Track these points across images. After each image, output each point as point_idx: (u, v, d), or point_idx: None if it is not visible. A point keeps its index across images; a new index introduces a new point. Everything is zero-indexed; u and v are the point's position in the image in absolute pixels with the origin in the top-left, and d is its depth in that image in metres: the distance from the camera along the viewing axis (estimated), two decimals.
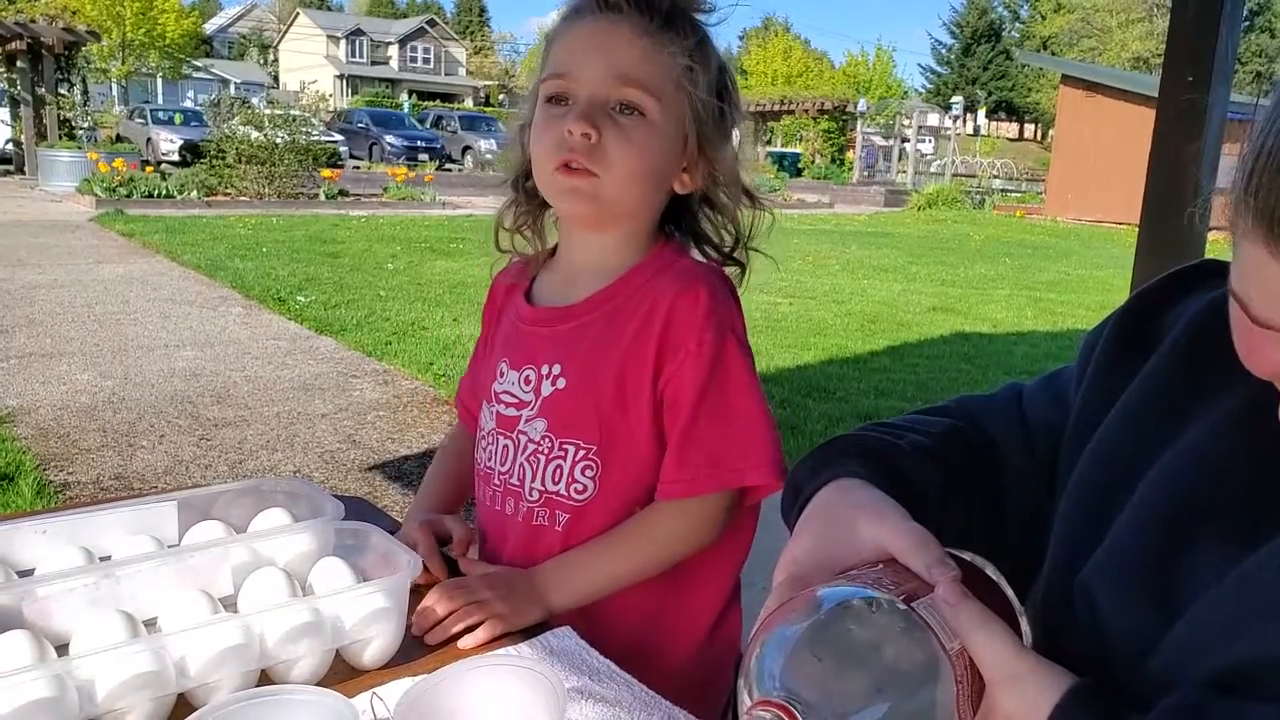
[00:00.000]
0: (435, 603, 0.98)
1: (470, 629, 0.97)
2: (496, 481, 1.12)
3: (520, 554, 1.10)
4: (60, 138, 16.32)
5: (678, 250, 1.10)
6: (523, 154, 1.09)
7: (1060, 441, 0.78)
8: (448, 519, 1.18)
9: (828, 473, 0.74)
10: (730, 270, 1.12)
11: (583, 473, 1.05)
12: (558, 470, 1.06)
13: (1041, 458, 0.81)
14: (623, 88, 0.99)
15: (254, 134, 14.23)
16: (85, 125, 17.10)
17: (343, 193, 15.33)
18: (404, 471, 3.86)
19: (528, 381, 1.09)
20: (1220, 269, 0.70)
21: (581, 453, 1.05)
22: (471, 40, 65.55)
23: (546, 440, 1.06)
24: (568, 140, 0.99)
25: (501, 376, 1.12)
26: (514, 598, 1.00)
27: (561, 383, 1.06)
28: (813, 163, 30.79)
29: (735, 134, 1.08)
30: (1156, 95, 2.20)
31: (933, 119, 36.42)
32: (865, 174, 28.85)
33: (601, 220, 1.06)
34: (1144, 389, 0.72)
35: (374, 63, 55.58)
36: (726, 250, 1.12)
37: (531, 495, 1.08)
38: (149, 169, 15.39)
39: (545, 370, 1.08)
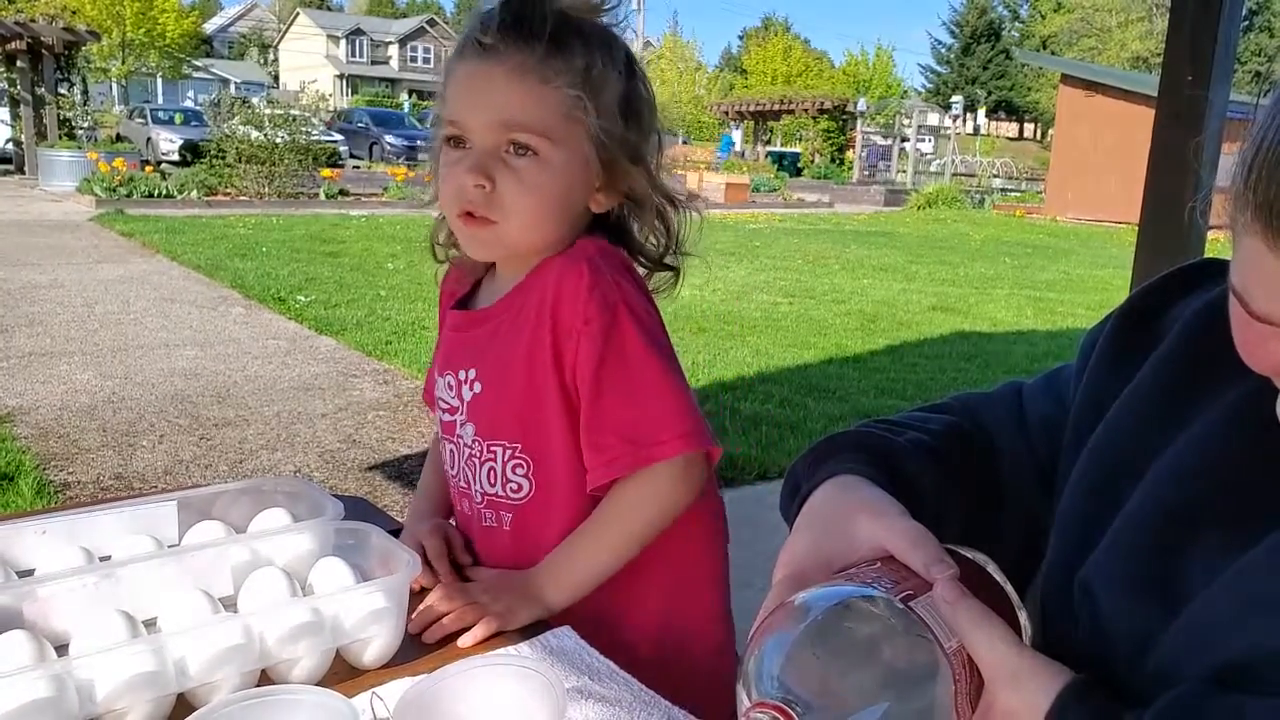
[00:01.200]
0: (434, 603, 0.99)
1: (467, 629, 0.97)
2: (453, 483, 1.15)
3: (482, 554, 1.13)
4: (60, 137, 16.32)
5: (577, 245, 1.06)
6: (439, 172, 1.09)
7: (1060, 439, 0.78)
8: (452, 524, 1.19)
9: (826, 469, 0.74)
10: (664, 276, 1.11)
11: (514, 471, 1.06)
12: (491, 472, 1.07)
13: (1041, 455, 0.80)
14: (510, 132, 0.98)
15: (254, 134, 14.22)
16: (85, 125, 17.09)
17: (343, 192, 15.33)
18: (404, 471, 3.86)
19: (451, 387, 1.11)
20: (1220, 268, 0.70)
21: (508, 453, 1.06)
22: None
23: (477, 444, 1.08)
24: (464, 190, 0.99)
25: (437, 384, 1.14)
26: (509, 598, 1.01)
27: (478, 387, 1.07)
28: (812, 162, 30.79)
29: (652, 139, 1.05)
30: (1156, 94, 2.20)
31: (932, 118, 36.41)
32: (866, 173, 28.83)
33: (512, 257, 1.07)
34: (1144, 387, 0.71)
35: (374, 62, 55.58)
36: (658, 256, 1.10)
37: (477, 498, 1.10)
38: (149, 169, 15.39)
39: (463, 375, 1.09)
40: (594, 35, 1.00)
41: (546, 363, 1.02)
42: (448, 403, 1.11)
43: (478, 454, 1.08)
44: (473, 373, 1.08)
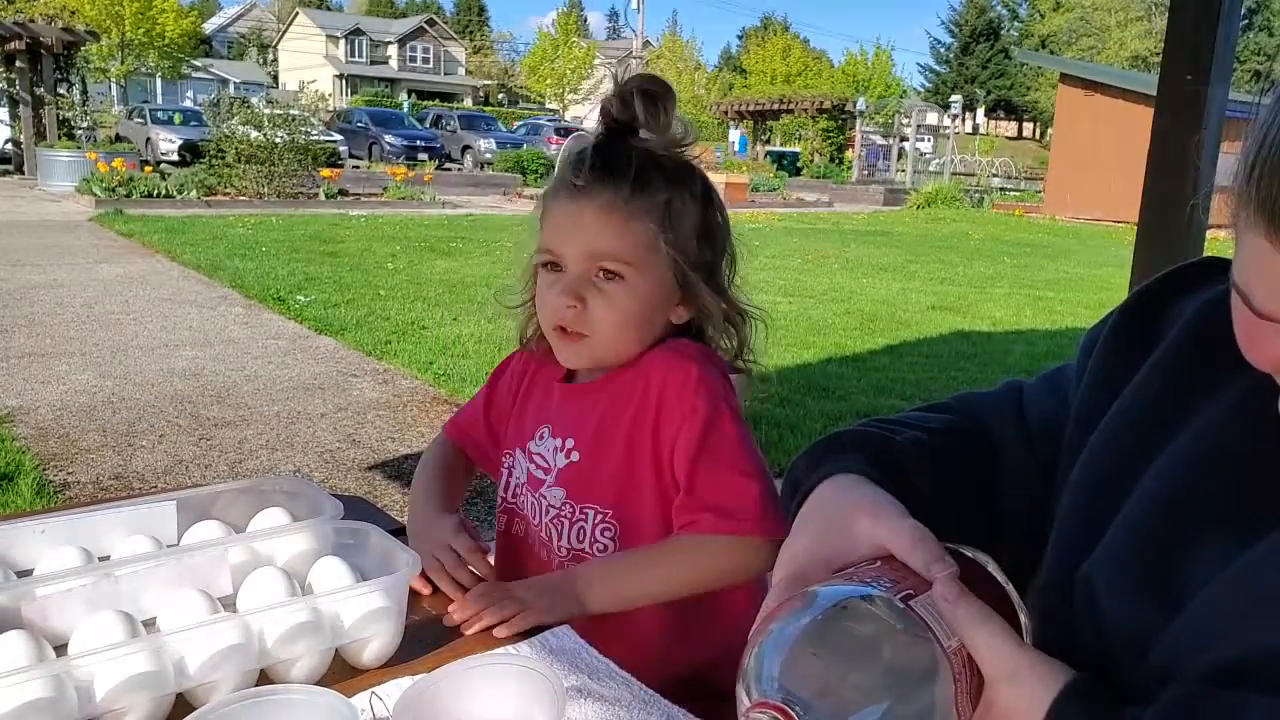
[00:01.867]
0: (473, 598, 1.02)
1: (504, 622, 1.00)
2: (529, 530, 1.21)
3: None
4: (59, 138, 16.31)
5: (679, 342, 1.18)
6: (533, 282, 1.20)
7: (1060, 438, 0.78)
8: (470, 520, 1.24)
9: (825, 468, 0.74)
10: (741, 379, 1.21)
11: (602, 534, 1.14)
12: (580, 531, 1.15)
13: (1041, 454, 0.80)
14: (599, 261, 1.11)
15: (253, 134, 14.21)
16: (84, 125, 17.08)
17: (342, 192, 15.33)
18: (404, 471, 3.86)
19: (555, 451, 1.20)
20: (1220, 266, 0.70)
21: (599, 516, 1.14)
22: (471, 40, 65.52)
23: (567, 506, 1.16)
24: (558, 308, 1.12)
25: (540, 439, 1.22)
26: (550, 595, 1.05)
27: (575, 455, 1.17)
28: (811, 161, 30.79)
29: (724, 257, 1.19)
30: (1155, 93, 2.20)
31: (931, 118, 36.39)
32: (865, 173, 28.82)
33: (602, 365, 1.17)
34: (1145, 386, 0.71)
35: (373, 62, 55.57)
36: (730, 360, 1.21)
37: (560, 551, 1.17)
38: (148, 169, 15.39)
39: (559, 443, 1.19)
40: (674, 170, 1.14)
41: (645, 441, 1.13)
42: (545, 461, 1.20)
43: (567, 515, 1.16)
44: (570, 441, 1.17)
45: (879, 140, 31.73)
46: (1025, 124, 58.06)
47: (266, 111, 15.06)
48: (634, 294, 1.11)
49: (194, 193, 13.79)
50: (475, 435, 1.35)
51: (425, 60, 56.15)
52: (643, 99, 1.11)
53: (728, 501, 1.07)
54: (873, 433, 0.80)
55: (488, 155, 26.38)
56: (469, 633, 0.98)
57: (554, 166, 1.17)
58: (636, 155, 1.11)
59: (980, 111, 44.41)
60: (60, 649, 0.84)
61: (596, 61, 50.71)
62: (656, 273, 1.12)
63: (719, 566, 1.09)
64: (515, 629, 0.99)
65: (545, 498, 1.18)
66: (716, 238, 1.18)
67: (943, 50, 58.51)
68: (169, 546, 1.04)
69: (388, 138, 26.93)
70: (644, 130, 1.13)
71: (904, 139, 29.44)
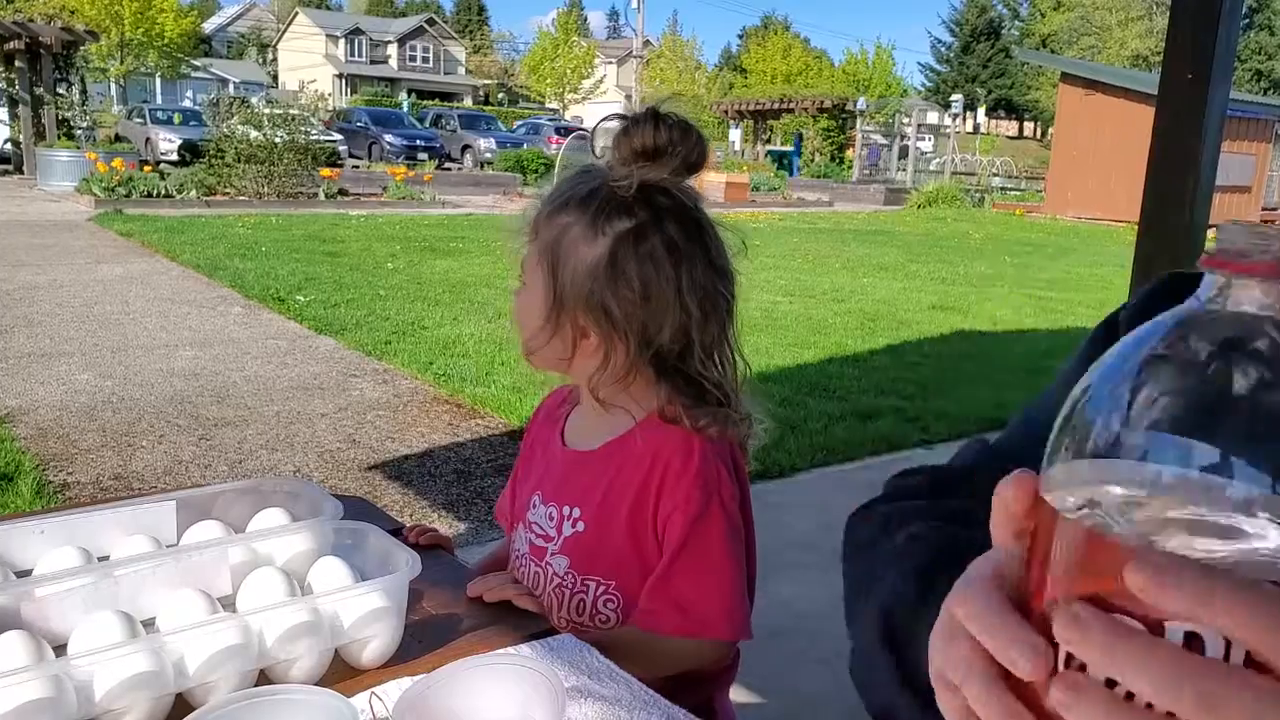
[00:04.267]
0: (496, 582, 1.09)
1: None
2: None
3: None
4: (59, 137, 16.31)
5: (676, 413, 1.14)
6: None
7: None
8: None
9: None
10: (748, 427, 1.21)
11: (605, 605, 1.14)
12: (580, 603, 1.15)
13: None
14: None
15: (253, 133, 14.21)
16: (84, 125, 17.08)
17: (342, 192, 15.32)
18: (403, 471, 3.86)
19: (551, 518, 1.18)
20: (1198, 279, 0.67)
21: (602, 588, 1.14)
22: (471, 39, 65.49)
23: (570, 576, 1.15)
24: None
25: (534, 508, 1.21)
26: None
27: (580, 525, 1.15)
28: (811, 161, 30.78)
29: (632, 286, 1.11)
30: (1156, 93, 2.20)
31: (932, 117, 36.35)
32: (866, 172, 28.79)
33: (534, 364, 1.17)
34: None
35: (373, 62, 55.55)
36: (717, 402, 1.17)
37: (560, 622, 1.15)
38: (148, 168, 15.38)
39: (566, 511, 1.17)
40: (587, 204, 1.11)
41: (647, 519, 1.12)
42: (544, 530, 1.18)
43: (569, 585, 1.15)
44: (577, 511, 1.16)
45: (879, 140, 31.72)
46: (1026, 123, 58.05)
47: (266, 111, 15.05)
48: (520, 300, 1.16)
49: (193, 192, 13.78)
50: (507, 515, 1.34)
51: (425, 60, 56.14)
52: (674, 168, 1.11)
53: (696, 601, 1.09)
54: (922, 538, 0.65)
55: (488, 155, 26.37)
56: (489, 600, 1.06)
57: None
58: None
59: (981, 111, 44.44)
60: (60, 649, 0.83)
61: (597, 61, 50.72)
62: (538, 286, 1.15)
63: (671, 662, 1.10)
64: (519, 605, 1.05)
65: (551, 565, 1.17)
66: (621, 278, 1.11)
67: (943, 49, 58.50)
68: (169, 547, 1.04)
69: (387, 137, 26.92)
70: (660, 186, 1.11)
71: (905, 139, 29.42)
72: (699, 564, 1.09)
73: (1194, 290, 0.65)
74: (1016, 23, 58.25)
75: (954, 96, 34.50)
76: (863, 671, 0.64)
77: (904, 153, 29.08)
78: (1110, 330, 0.67)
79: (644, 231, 1.09)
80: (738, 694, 2.41)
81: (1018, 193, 26.52)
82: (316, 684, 0.85)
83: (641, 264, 1.09)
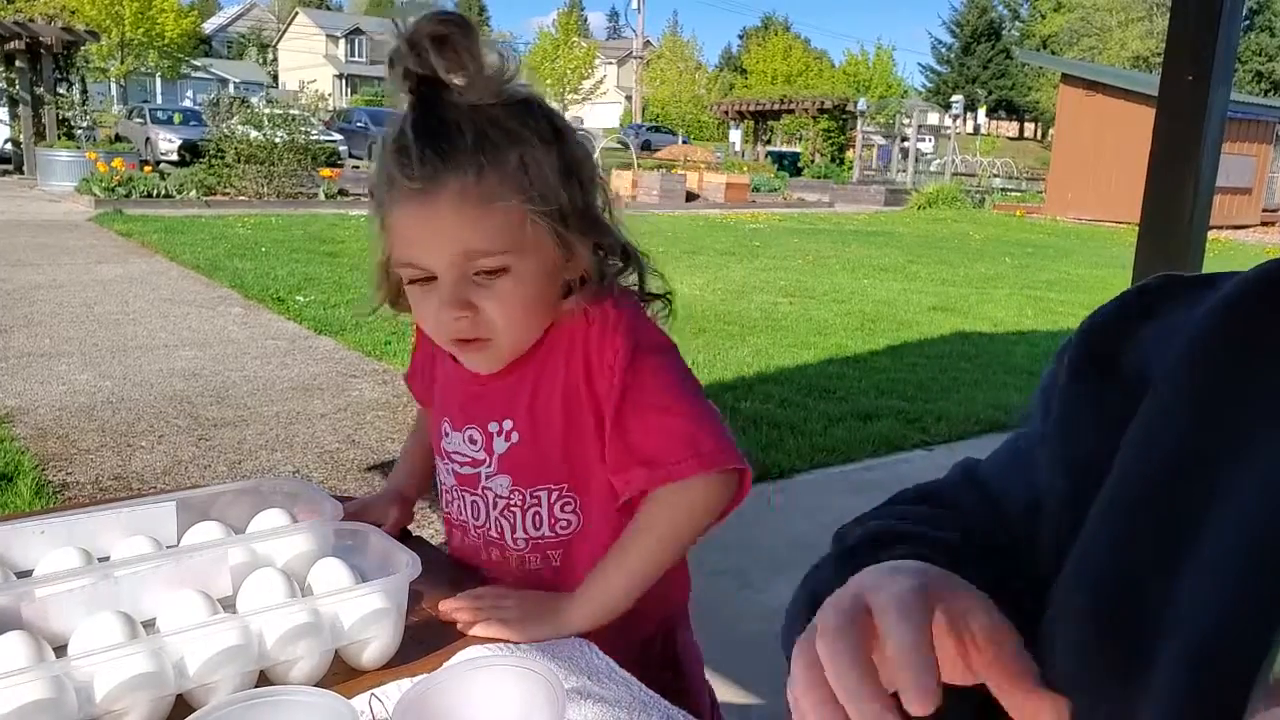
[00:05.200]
0: (467, 597, 1.02)
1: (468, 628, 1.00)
2: (474, 534, 1.13)
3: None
4: (59, 137, 16.31)
5: (589, 292, 1.05)
6: (389, 283, 1.06)
7: (1040, 521, 0.61)
8: (380, 508, 1.24)
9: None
10: (658, 305, 1.10)
11: (563, 509, 1.07)
12: (536, 517, 1.08)
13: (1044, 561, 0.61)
14: (476, 260, 0.95)
15: (253, 133, 14.22)
16: (84, 125, 17.08)
17: (342, 192, 15.32)
18: None
19: (473, 441, 1.09)
20: (1186, 283, 0.60)
21: (555, 493, 1.07)
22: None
23: (516, 494, 1.08)
24: (446, 324, 0.98)
25: (446, 436, 1.13)
26: (528, 611, 1.00)
27: (515, 437, 1.07)
28: (812, 162, 30.79)
29: (596, 189, 1.02)
30: (1156, 94, 2.20)
31: (933, 118, 36.39)
32: (871, 172, 28.81)
33: (514, 357, 1.05)
34: (1163, 425, 0.54)
35: (373, 62, 55.51)
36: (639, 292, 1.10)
37: (518, 544, 1.09)
38: (148, 168, 15.38)
39: (494, 427, 1.08)
40: (512, 119, 0.95)
41: (582, 402, 1.03)
42: (467, 456, 1.10)
43: (518, 503, 1.08)
44: (509, 424, 1.07)
45: (880, 140, 31.72)
46: (1026, 124, 58.09)
47: (266, 111, 15.06)
48: (523, 281, 0.97)
49: (193, 193, 13.78)
50: (428, 389, 1.22)
51: None
52: (436, 47, 0.91)
53: (656, 449, 0.99)
54: (902, 531, 0.64)
55: None
56: (441, 620, 1.00)
57: (384, 148, 0.97)
58: (464, 119, 0.93)
59: (981, 112, 44.44)
60: (60, 650, 0.83)
61: (597, 61, 50.70)
62: (538, 247, 0.97)
63: (685, 520, 1.01)
64: (476, 632, 0.98)
65: (490, 489, 1.09)
66: (583, 173, 1.00)
67: (944, 50, 58.51)
68: (169, 547, 1.04)
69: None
70: (456, 79, 0.92)
71: (905, 139, 29.42)
72: (647, 411, 1.00)
73: (1173, 291, 0.60)
74: (1017, 24, 58.27)
75: (954, 97, 34.52)
76: (782, 634, 0.64)
77: (904, 153, 29.09)
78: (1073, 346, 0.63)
79: (551, 114, 0.99)
80: (734, 694, 2.41)
81: (1018, 194, 26.52)
82: (316, 685, 0.85)
83: (575, 141, 1.00)
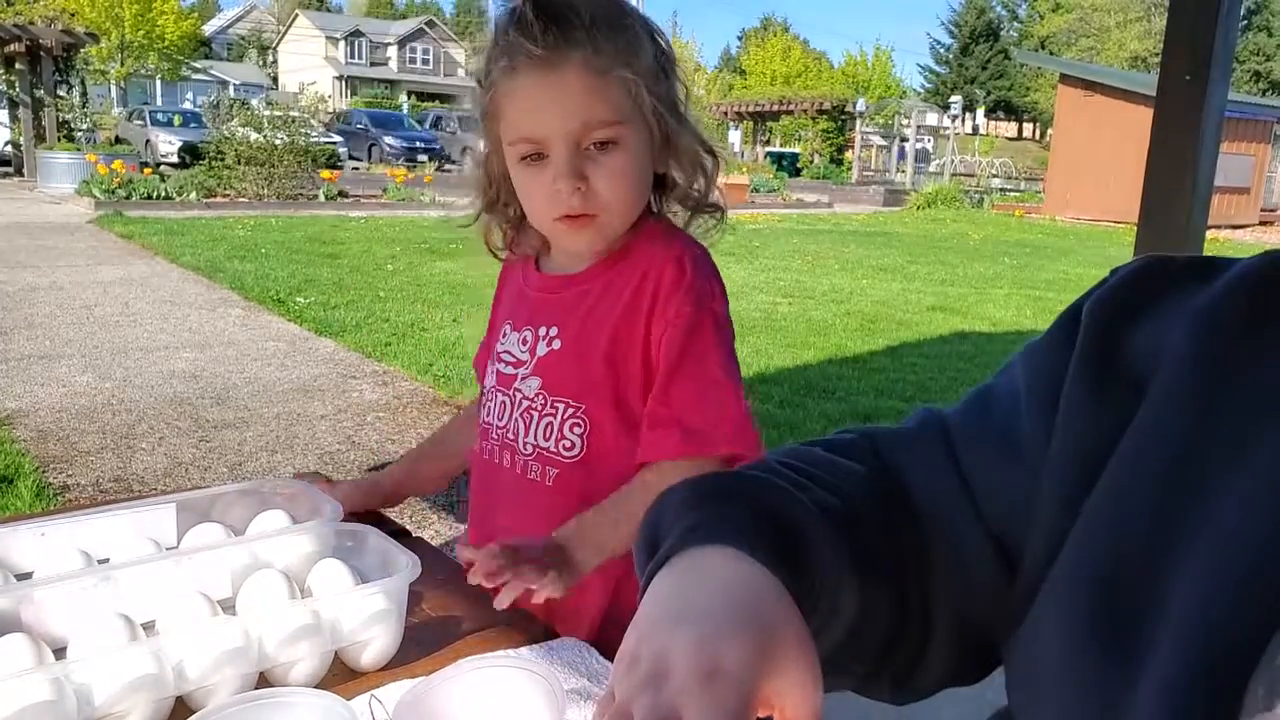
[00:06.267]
0: (497, 564, 0.94)
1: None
2: (494, 435, 1.17)
3: (511, 506, 1.15)
4: (59, 139, 16.31)
5: (666, 225, 1.14)
6: (490, 184, 1.14)
7: (1019, 501, 0.58)
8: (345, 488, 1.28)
9: (700, 531, 0.52)
10: (705, 224, 1.14)
11: (571, 430, 1.09)
12: (549, 427, 1.10)
13: (994, 524, 0.60)
14: (592, 131, 1.01)
15: (253, 135, 14.22)
16: (84, 127, 17.09)
17: (342, 194, 15.33)
18: None
19: (525, 342, 1.14)
20: (1172, 266, 0.59)
21: (569, 410, 1.09)
22: (471, 41, 65.42)
23: (540, 397, 1.11)
24: (559, 196, 1.02)
25: (504, 337, 1.18)
26: (556, 562, 0.98)
27: (557, 344, 1.11)
28: (811, 162, 30.79)
29: (680, 88, 1.09)
30: (1154, 94, 2.20)
31: (931, 118, 36.38)
32: (868, 174, 28.81)
33: (612, 241, 1.10)
34: (1164, 419, 0.53)
35: (373, 64, 55.57)
36: (699, 198, 1.13)
37: (525, 449, 1.12)
38: (148, 171, 15.40)
39: (543, 332, 1.13)
40: (614, 6, 1.03)
41: (635, 338, 1.07)
42: (514, 356, 1.15)
43: (538, 407, 1.11)
44: (554, 330, 1.12)
45: (879, 140, 31.73)
46: (1025, 125, 58.06)
47: (266, 113, 15.07)
48: (632, 156, 1.04)
49: (193, 194, 13.79)
50: (482, 365, 1.28)
51: (425, 62, 56.12)
52: None
53: (698, 418, 1.03)
54: (772, 485, 0.58)
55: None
56: (502, 606, 0.93)
57: (495, 40, 1.03)
58: (581, 2, 1.00)
59: (980, 112, 44.38)
60: (59, 652, 0.83)
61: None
62: (643, 126, 1.03)
63: None
64: (544, 597, 0.94)
65: (520, 390, 1.13)
66: (672, 65, 1.07)
67: (942, 51, 58.50)
68: (169, 549, 1.04)
69: (387, 139, 26.92)
70: None
71: (904, 140, 29.43)
72: (698, 378, 1.04)
73: (1170, 275, 0.58)
74: (1015, 24, 58.26)
75: (953, 98, 34.51)
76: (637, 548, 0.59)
77: (903, 154, 29.09)
78: (1075, 320, 0.60)
79: (636, 10, 1.06)
80: None
81: (1017, 194, 26.53)
82: (316, 686, 0.85)
83: (662, 38, 1.07)
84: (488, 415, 1.18)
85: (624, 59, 1.00)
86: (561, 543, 1.02)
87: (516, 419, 1.13)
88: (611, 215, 1.05)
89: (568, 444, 1.09)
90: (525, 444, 1.12)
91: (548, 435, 1.10)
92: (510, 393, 1.14)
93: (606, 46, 0.99)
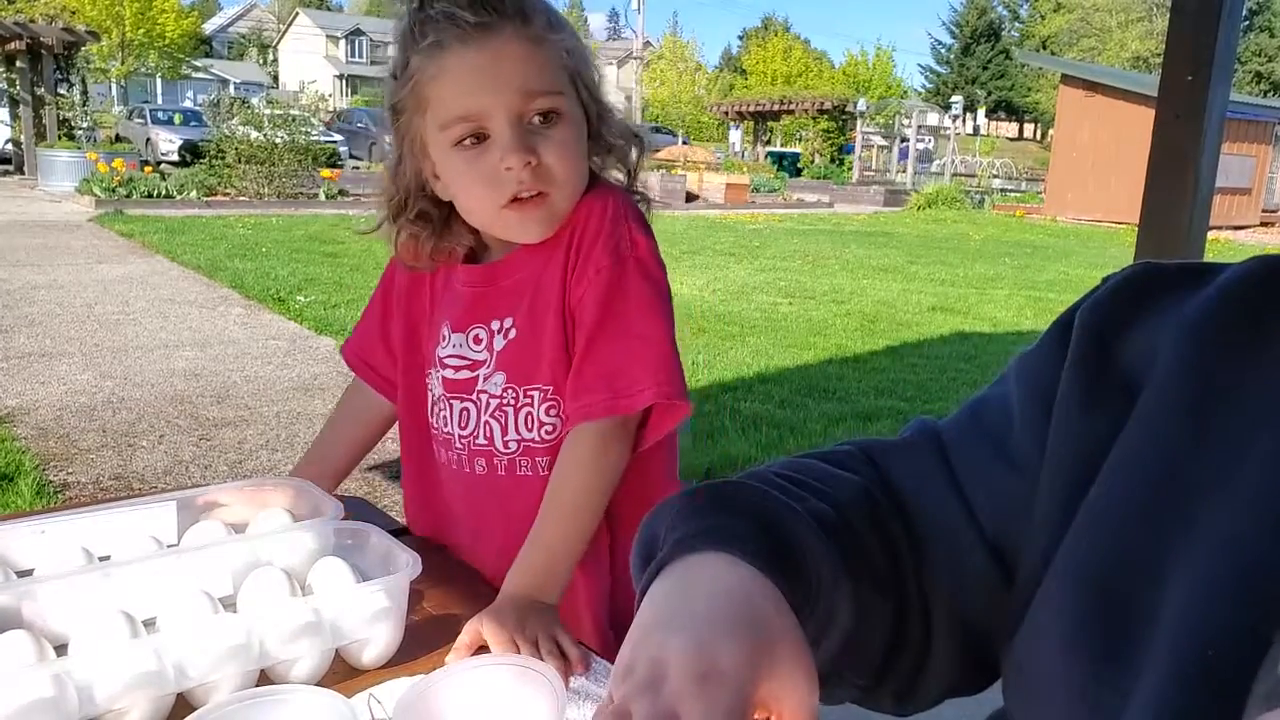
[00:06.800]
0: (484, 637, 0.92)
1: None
2: (459, 445, 1.12)
3: (500, 508, 1.11)
4: (59, 138, 16.31)
5: (601, 184, 1.09)
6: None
7: (1017, 507, 0.59)
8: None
9: (696, 538, 0.52)
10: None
11: (548, 413, 1.06)
12: (529, 417, 1.06)
13: (991, 534, 0.60)
14: (534, 100, 0.97)
15: (253, 134, 14.22)
16: (85, 125, 17.07)
17: (342, 192, 15.32)
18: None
19: (478, 341, 1.09)
20: (1166, 273, 0.58)
21: (543, 394, 1.06)
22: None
23: (510, 391, 1.07)
24: (507, 175, 0.98)
25: (445, 340, 1.12)
26: (532, 621, 0.95)
27: (513, 333, 1.07)
28: (812, 162, 30.80)
29: (596, 75, 1.07)
30: (1156, 94, 2.20)
31: (932, 118, 36.40)
32: (868, 174, 28.80)
33: (560, 221, 1.05)
34: (1157, 429, 0.53)
35: (374, 62, 55.53)
36: (624, 186, 1.11)
37: (509, 448, 1.08)
38: (148, 169, 15.38)
39: (496, 325, 1.08)
40: None
41: (568, 305, 1.03)
42: (466, 359, 1.09)
43: (511, 402, 1.07)
44: (509, 320, 1.07)
45: (880, 140, 31.72)
46: (1026, 125, 58.07)
47: (266, 112, 15.07)
48: (575, 128, 1.01)
49: (194, 193, 13.79)
50: (374, 358, 1.24)
51: None
52: None
53: (621, 373, 0.98)
54: (765, 495, 0.58)
55: None
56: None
57: (411, 23, 0.99)
58: None
59: (981, 112, 44.39)
60: (60, 649, 0.83)
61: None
62: (576, 100, 1.01)
63: (625, 451, 1.01)
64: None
65: (486, 391, 1.07)
66: (587, 53, 1.05)
67: (943, 51, 58.50)
68: (169, 546, 1.04)
69: (388, 138, 26.86)
70: None
71: (904, 140, 29.42)
72: (622, 333, 0.99)
73: (1162, 282, 0.57)
74: (1016, 24, 58.25)
75: (954, 98, 34.49)
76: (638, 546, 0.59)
77: (904, 154, 29.08)
78: (1067, 328, 0.60)
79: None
80: None
81: (1018, 194, 26.52)
82: (317, 684, 0.85)
83: (566, 21, 1.05)
84: (446, 426, 1.12)
85: (553, 29, 0.99)
86: (526, 598, 0.96)
87: (486, 421, 1.08)
88: (563, 193, 1.01)
89: (548, 428, 1.06)
90: (507, 443, 1.08)
91: (530, 426, 1.06)
92: (474, 396, 1.09)
93: (536, 17, 0.98)
